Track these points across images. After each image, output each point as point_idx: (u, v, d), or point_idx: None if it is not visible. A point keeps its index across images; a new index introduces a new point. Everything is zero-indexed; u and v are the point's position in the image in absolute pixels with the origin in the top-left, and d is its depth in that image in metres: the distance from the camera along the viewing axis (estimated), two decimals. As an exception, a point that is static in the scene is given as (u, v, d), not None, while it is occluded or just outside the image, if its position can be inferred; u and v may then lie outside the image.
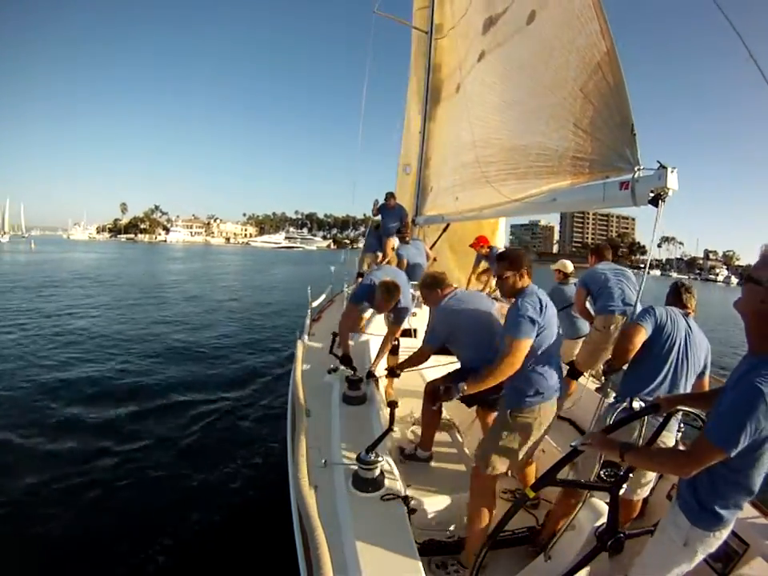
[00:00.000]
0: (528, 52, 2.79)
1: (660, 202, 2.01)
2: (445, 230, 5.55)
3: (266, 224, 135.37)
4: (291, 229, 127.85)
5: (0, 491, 3.18)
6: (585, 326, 3.91)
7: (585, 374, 3.34)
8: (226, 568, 2.66)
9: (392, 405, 2.23)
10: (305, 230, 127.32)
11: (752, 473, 1.25)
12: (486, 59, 3.26)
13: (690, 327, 2.27)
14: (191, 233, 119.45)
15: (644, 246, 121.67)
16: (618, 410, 1.98)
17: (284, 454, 2.43)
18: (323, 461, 1.97)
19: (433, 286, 2.58)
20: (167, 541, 2.80)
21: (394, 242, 5.62)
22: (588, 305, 3.55)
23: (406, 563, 1.46)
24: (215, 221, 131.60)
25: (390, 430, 2.03)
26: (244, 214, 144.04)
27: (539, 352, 2.02)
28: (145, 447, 3.92)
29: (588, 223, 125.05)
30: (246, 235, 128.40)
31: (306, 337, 3.96)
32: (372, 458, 1.85)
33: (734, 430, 1.12)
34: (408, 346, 3.99)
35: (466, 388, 2.15)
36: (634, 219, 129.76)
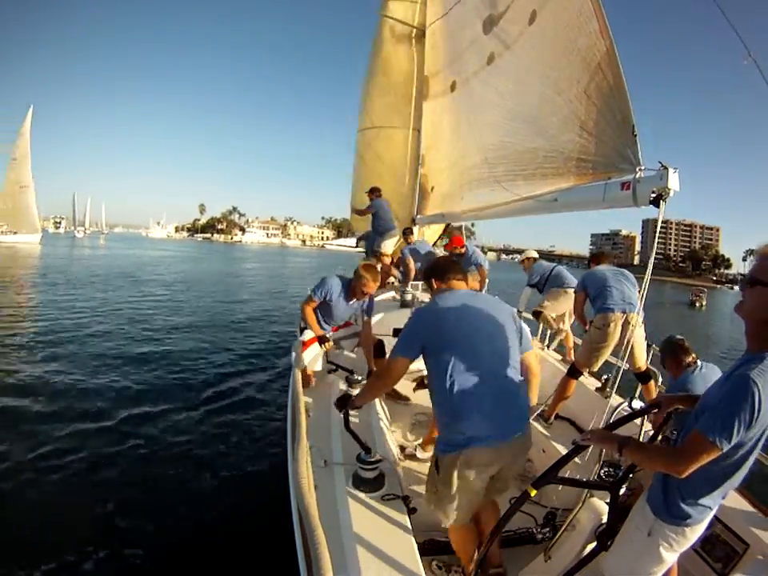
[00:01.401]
0: (535, 54, 2.78)
1: (662, 202, 2.00)
2: (445, 229, 5.52)
3: (344, 228, 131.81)
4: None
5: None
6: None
7: (585, 373, 3.28)
8: (226, 568, 2.66)
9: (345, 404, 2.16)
10: None
11: (724, 473, 1.22)
12: (496, 63, 3.25)
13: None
14: (267, 234, 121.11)
15: (729, 259, 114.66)
16: (618, 410, 1.97)
17: (284, 454, 2.43)
18: (323, 461, 1.97)
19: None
20: (166, 539, 2.80)
21: (391, 246, 5.44)
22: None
23: (406, 563, 1.46)
24: (292, 223, 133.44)
25: (348, 431, 1.96)
26: (323, 218, 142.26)
27: (453, 380, 1.57)
28: (141, 445, 3.88)
29: (670, 234, 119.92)
30: (322, 238, 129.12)
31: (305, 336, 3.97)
32: (372, 458, 1.85)
33: (727, 423, 1.09)
34: None
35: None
36: (718, 230, 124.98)
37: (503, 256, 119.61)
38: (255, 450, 4.02)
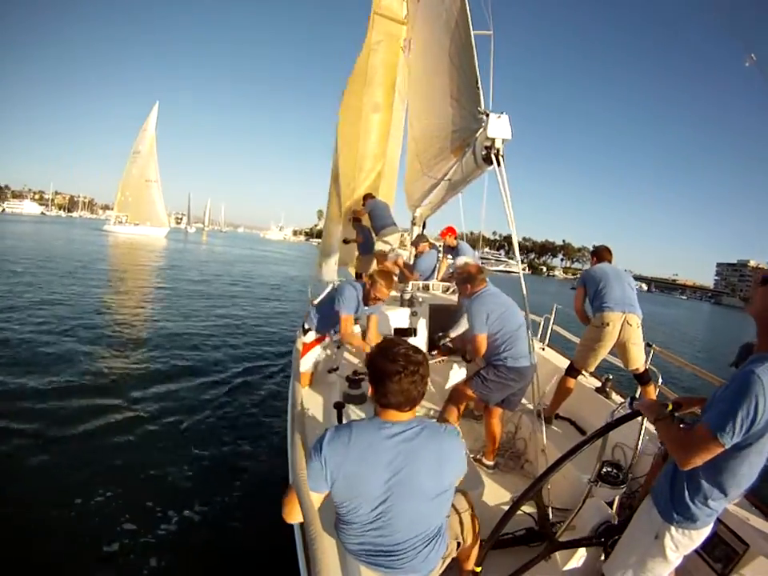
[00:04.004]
0: (428, 31, 2.58)
1: (501, 159, 1.63)
2: (423, 227, 5.13)
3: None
4: (486, 249, 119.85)
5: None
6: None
7: (584, 372, 3.18)
8: (226, 567, 2.64)
9: (339, 406, 2.18)
10: (501, 252, 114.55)
11: (734, 472, 1.20)
12: (411, 49, 3.10)
13: None
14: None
15: None
16: (617, 409, 1.92)
17: (284, 454, 2.40)
18: None
19: (464, 282, 2.67)
20: (165, 539, 2.80)
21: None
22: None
23: None
24: (408, 234, 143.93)
25: None
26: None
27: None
28: (140, 444, 3.88)
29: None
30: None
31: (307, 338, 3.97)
32: None
33: (731, 419, 1.09)
34: None
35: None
36: None
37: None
38: (254, 449, 3.98)
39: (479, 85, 1.79)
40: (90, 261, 17.65)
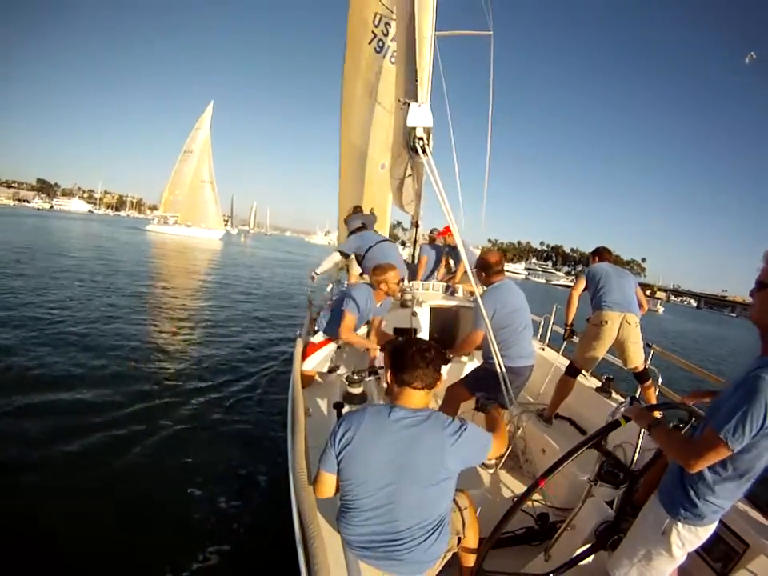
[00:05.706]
0: (397, 36, 2.64)
1: (425, 147, 1.65)
2: (417, 226, 5.07)
3: (509, 252, 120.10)
4: (533, 260, 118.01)
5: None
6: None
7: (584, 372, 3.20)
8: (226, 567, 2.66)
9: (338, 406, 2.17)
10: (548, 263, 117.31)
11: (740, 473, 1.23)
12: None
13: None
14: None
15: None
16: (617, 409, 1.90)
17: (284, 454, 2.43)
18: None
19: (480, 269, 2.64)
20: (164, 538, 2.84)
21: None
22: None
23: None
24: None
25: None
26: (489, 240, 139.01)
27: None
28: (137, 444, 3.86)
29: None
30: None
31: (305, 335, 3.88)
32: None
33: (739, 423, 1.11)
34: None
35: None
36: None
37: (672, 298, 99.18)
38: (254, 449, 4.02)
39: (417, 78, 1.81)
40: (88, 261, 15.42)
